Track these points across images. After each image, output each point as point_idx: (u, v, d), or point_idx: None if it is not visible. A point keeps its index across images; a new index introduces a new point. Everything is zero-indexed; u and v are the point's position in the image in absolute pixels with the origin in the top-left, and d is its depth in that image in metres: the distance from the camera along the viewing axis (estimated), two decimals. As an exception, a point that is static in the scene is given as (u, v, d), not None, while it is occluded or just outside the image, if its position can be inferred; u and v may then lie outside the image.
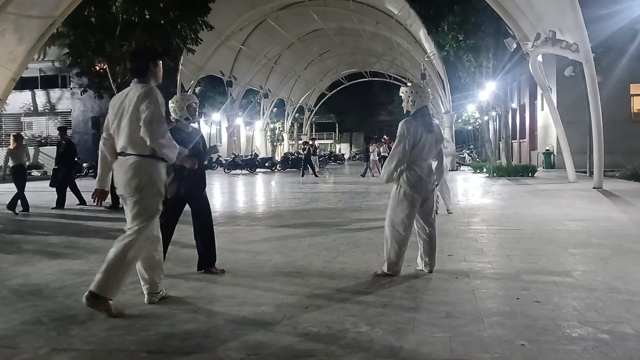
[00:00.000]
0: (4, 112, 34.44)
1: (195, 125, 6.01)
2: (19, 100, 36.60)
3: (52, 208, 12.79)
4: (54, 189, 13.30)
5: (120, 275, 4.27)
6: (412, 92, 5.57)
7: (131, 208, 4.42)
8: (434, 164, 5.67)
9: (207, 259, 5.75)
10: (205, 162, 6.04)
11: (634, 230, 8.06)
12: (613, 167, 20.25)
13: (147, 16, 20.44)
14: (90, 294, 4.19)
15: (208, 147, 6.09)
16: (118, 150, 4.46)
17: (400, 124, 5.52)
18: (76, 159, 14.78)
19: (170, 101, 5.74)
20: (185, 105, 5.74)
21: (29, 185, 13.05)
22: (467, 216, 9.95)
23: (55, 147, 14.46)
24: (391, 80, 52.68)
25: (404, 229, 5.47)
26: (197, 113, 5.89)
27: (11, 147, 12.72)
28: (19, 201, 12.30)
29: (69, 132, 31.62)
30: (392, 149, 5.56)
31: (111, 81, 20.93)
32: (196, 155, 5.36)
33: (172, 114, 5.80)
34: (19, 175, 12.55)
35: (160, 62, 4.65)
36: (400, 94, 5.68)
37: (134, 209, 4.40)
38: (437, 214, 9.35)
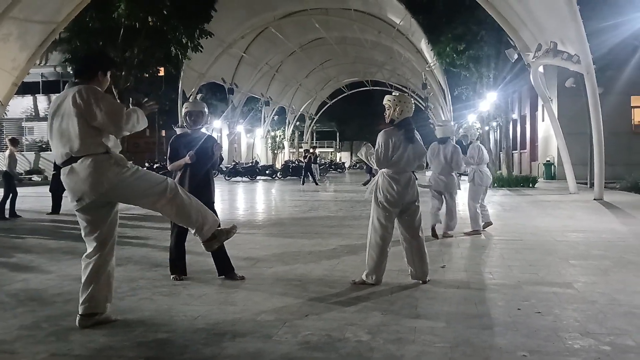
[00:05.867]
0: (5, 117, 34.51)
1: (204, 130, 6.04)
2: (20, 105, 36.68)
3: (48, 213, 12.74)
4: (51, 194, 13.24)
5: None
6: (400, 102, 5.52)
7: (108, 210, 4.23)
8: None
9: (222, 266, 5.76)
10: (214, 166, 6.02)
11: (635, 242, 8.04)
12: (614, 178, 20.24)
13: (150, 22, 20.51)
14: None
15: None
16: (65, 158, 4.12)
17: (380, 135, 5.49)
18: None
19: None
20: (183, 114, 5.88)
21: (30, 190, 13.07)
22: (467, 226, 9.92)
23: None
24: (392, 90, 52.79)
25: (380, 237, 5.46)
26: (196, 121, 5.87)
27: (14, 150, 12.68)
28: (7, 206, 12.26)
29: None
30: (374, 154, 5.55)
31: (112, 87, 21.01)
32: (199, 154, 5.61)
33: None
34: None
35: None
36: (386, 103, 5.57)
37: (113, 211, 4.26)
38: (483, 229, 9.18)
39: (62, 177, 4.18)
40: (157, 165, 28.78)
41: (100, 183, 4.04)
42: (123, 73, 22.46)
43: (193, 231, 4.37)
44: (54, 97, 37.60)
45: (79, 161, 4.04)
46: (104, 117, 4.02)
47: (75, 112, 4.01)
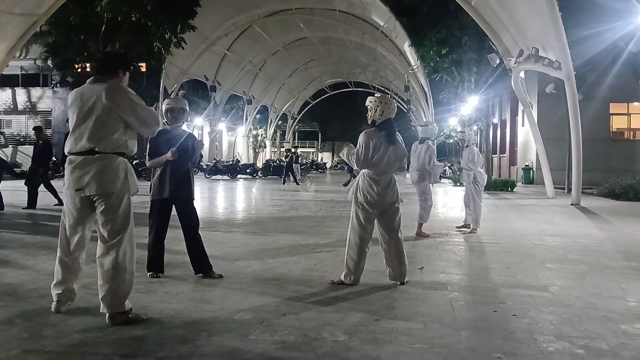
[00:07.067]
0: (-17, 110, 33.98)
1: (184, 127, 6.01)
2: (-2, 98, 36.15)
3: (24, 208, 12.57)
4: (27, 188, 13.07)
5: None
6: (381, 103, 5.56)
7: (118, 209, 4.20)
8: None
9: (200, 264, 5.71)
10: (194, 164, 5.98)
11: (611, 247, 8.15)
12: (591, 184, 20.48)
13: (133, 18, 20.30)
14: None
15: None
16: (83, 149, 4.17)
17: (361, 135, 5.52)
18: (54, 159, 14.53)
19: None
20: (165, 109, 5.81)
21: (6, 184, 12.89)
22: (446, 228, 9.99)
23: (33, 146, 14.26)
24: (375, 91, 52.84)
25: (359, 237, 5.48)
26: (177, 118, 5.85)
27: None
28: None
29: (48, 131, 31.24)
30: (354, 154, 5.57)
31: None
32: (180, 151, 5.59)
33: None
34: None
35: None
36: (368, 104, 5.61)
37: (119, 211, 4.20)
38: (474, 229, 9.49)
39: (69, 165, 4.23)
40: (137, 161, 28.55)
41: (109, 183, 4.16)
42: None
43: (102, 294, 4.12)
44: (33, 90, 37.25)
45: (98, 156, 4.14)
46: (142, 117, 4.24)
47: (107, 109, 4.13)
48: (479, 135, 27.32)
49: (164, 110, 5.85)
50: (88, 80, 4.38)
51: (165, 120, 5.84)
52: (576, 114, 14.94)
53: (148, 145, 5.76)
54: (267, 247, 7.80)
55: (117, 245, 4.15)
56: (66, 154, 4.28)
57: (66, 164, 4.25)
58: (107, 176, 4.16)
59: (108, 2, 19.39)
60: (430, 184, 9.43)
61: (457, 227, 9.86)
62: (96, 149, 4.14)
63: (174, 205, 5.77)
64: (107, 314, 4.13)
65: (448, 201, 16.90)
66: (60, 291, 4.33)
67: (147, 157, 5.79)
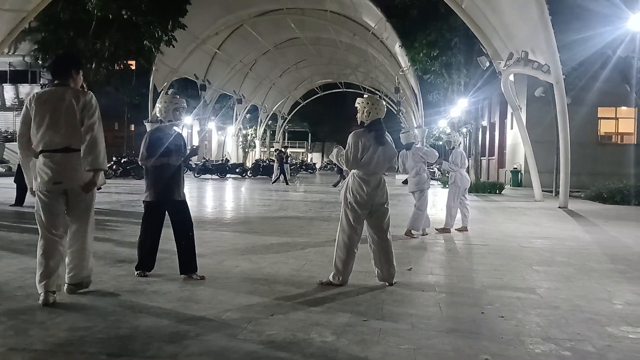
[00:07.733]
0: (-30, 106, 33.65)
1: (177, 128, 5.97)
2: (-15, 94, 35.87)
3: (11, 205, 12.47)
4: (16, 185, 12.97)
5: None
6: (368, 104, 5.58)
7: (89, 199, 4.83)
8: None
9: (186, 265, 5.67)
10: (185, 165, 5.97)
11: (597, 250, 8.20)
12: (579, 187, 20.60)
13: (124, 16, 20.17)
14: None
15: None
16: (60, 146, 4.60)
17: (350, 136, 5.54)
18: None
19: (158, 100, 5.83)
20: (172, 108, 5.71)
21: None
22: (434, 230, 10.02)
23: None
24: (364, 92, 52.77)
25: (347, 238, 5.50)
26: (180, 116, 5.85)
27: None
28: None
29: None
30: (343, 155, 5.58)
31: (82, 80, 20.69)
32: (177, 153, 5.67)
33: (157, 113, 5.86)
34: None
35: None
36: (356, 105, 5.63)
37: (89, 201, 4.84)
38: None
39: (48, 160, 4.58)
40: (125, 160, 28.42)
41: (85, 178, 4.62)
42: (93, 66, 22.14)
43: (72, 271, 4.81)
44: (21, 86, 36.98)
45: (74, 153, 4.58)
46: (99, 126, 4.64)
47: (79, 112, 4.58)
48: (468, 138, 27.40)
49: (171, 109, 5.73)
50: (48, 84, 4.87)
51: (169, 118, 5.73)
52: (565, 117, 15.04)
53: (147, 142, 5.63)
54: (256, 247, 7.78)
55: (86, 230, 4.84)
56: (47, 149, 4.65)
57: (41, 160, 4.62)
58: (85, 171, 4.61)
59: (98, 0, 19.27)
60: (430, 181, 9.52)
61: (455, 229, 9.85)
62: (72, 147, 4.59)
63: (167, 206, 5.73)
64: (66, 286, 4.81)
65: (436, 202, 16.94)
66: (46, 281, 4.53)
67: (143, 154, 5.65)
